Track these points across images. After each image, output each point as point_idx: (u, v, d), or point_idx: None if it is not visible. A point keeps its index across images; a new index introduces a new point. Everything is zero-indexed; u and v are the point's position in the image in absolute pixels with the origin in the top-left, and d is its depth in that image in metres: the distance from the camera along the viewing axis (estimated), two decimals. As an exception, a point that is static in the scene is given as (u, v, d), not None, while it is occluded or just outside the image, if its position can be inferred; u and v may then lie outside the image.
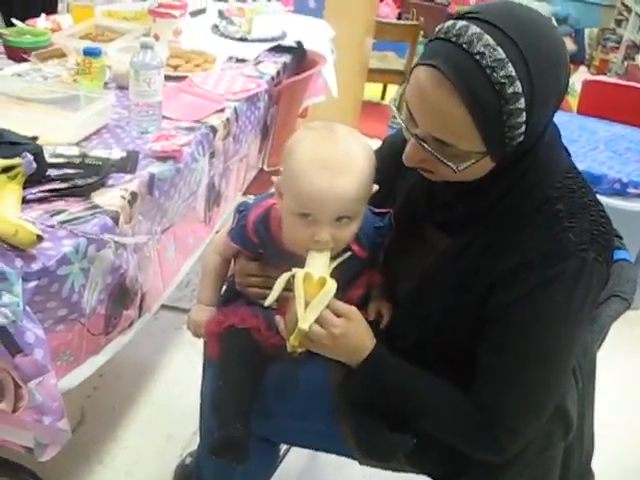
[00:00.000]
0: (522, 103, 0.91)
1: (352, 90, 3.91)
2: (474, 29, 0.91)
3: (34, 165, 1.27)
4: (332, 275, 1.07)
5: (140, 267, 1.50)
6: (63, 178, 1.38)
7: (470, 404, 1.07)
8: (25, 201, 1.27)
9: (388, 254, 1.24)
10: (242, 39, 2.54)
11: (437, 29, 0.96)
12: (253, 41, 2.53)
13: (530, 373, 1.04)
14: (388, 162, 1.16)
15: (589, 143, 2.97)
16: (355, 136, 1.10)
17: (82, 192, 1.35)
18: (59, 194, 1.33)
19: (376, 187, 1.12)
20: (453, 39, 0.92)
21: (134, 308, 1.51)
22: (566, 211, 1.02)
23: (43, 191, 1.32)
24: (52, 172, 1.39)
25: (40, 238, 1.13)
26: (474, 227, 1.08)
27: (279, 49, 2.53)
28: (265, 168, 2.46)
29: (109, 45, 2.07)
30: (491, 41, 0.90)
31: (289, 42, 2.58)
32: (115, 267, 1.34)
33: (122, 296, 1.42)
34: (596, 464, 1.31)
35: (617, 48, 6.48)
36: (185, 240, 1.79)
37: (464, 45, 0.90)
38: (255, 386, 1.22)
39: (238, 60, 2.35)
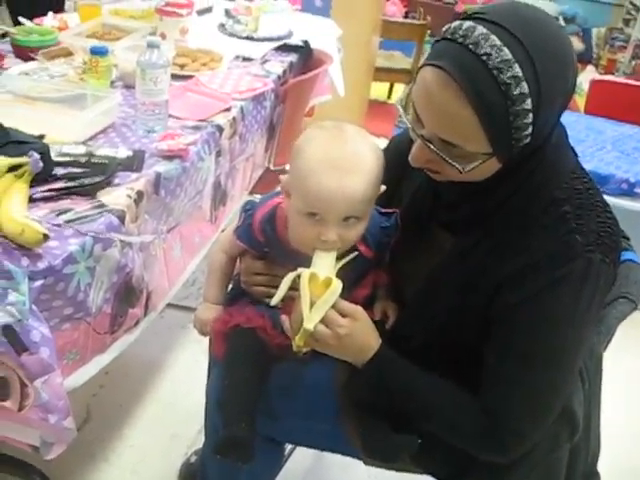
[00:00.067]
0: (529, 104, 0.91)
1: (359, 89, 3.91)
2: (481, 30, 0.91)
3: (41, 164, 1.27)
4: (338, 275, 1.07)
5: (146, 266, 1.50)
6: (69, 177, 1.38)
7: (476, 406, 1.07)
8: (31, 200, 1.28)
9: (394, 254, 1.24)
10: (249, 38, 2.53)
11: (444, 29, 0.96)
12: (260, 40, 2.52)
13: (537, 374, 1.04)
14: (394, 162, 1.16)
15: (596, 143, 2.95)
16: (364, 136, 1.10)
17: (88, 191, 1.35)
18: (65, 193, 1.33)
19: (384, 187, 1.12)
20: (460, 40, 0.91)
21: (140, 307, 1.51)
22: (573, 212, 1.01)
23: (49, 190, 1.33)
24: (58, 171, 1.39)
25: (46, 237, 1.14)
26: (481, 227, 1.08)
27: (286, 48, 2.52)
28: (271, 167, 2.46)
29: (116, 44, 2.07)
30: (497, 42, 0.89)
31: (296, 41, 2.57)
32: (121, 266, 1.35)
33: (128, 295, 1.43)
34: (602, 465, 1.31)
35: (625, 47, 6.44)
36: (191, 239, 1.79)
37: (471, 46, 0.90)
38: (260, 386, 1.22)
39: (245, 59, 2.35)
